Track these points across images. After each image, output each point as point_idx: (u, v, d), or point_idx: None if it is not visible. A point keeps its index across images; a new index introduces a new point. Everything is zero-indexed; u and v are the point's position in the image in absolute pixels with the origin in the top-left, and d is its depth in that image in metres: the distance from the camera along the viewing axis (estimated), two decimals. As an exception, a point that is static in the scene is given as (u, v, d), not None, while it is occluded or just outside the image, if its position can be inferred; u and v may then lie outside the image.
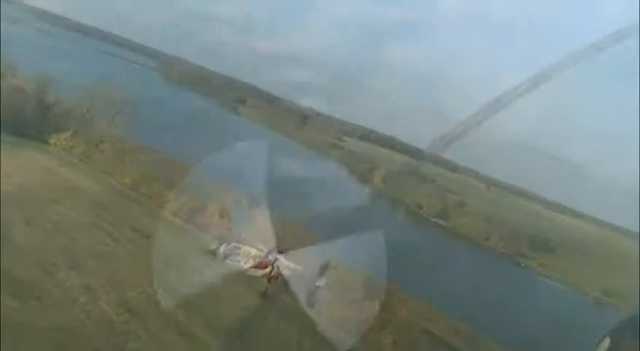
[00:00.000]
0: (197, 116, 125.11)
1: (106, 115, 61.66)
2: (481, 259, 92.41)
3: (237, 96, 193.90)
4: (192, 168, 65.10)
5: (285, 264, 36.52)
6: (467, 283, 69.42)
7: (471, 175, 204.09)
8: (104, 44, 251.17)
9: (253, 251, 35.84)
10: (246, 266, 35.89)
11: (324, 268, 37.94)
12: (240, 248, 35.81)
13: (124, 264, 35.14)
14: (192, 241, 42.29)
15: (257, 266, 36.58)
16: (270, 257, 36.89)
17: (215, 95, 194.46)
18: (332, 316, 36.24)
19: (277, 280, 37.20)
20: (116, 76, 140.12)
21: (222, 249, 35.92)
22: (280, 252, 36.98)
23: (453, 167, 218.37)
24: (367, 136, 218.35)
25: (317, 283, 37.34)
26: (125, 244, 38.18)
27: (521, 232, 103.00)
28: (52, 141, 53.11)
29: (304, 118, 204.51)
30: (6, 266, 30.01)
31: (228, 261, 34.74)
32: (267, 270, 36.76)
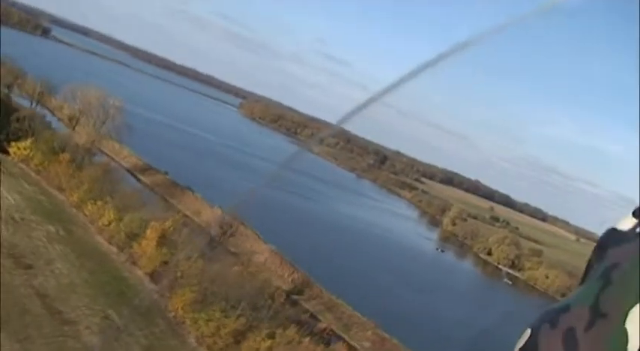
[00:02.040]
0: (262, 149, 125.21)
1: (97, 122, 54.48)
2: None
3: (313, 133, 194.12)
4: (187, 191, 60.62)
5: None
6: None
7: (562, 226, 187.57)
8: (189, 81, 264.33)
9: None
10: None
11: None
12: None
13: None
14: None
15: None
16: None
17: (290, 132, 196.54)
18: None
19: None
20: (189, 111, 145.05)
21: None
22: None
23: (542, 216, 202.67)
24: (450, 179, 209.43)
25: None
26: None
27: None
28: (12, 150, 45.48)
29: (384, 157, 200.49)
30: None
31: None
32: None
